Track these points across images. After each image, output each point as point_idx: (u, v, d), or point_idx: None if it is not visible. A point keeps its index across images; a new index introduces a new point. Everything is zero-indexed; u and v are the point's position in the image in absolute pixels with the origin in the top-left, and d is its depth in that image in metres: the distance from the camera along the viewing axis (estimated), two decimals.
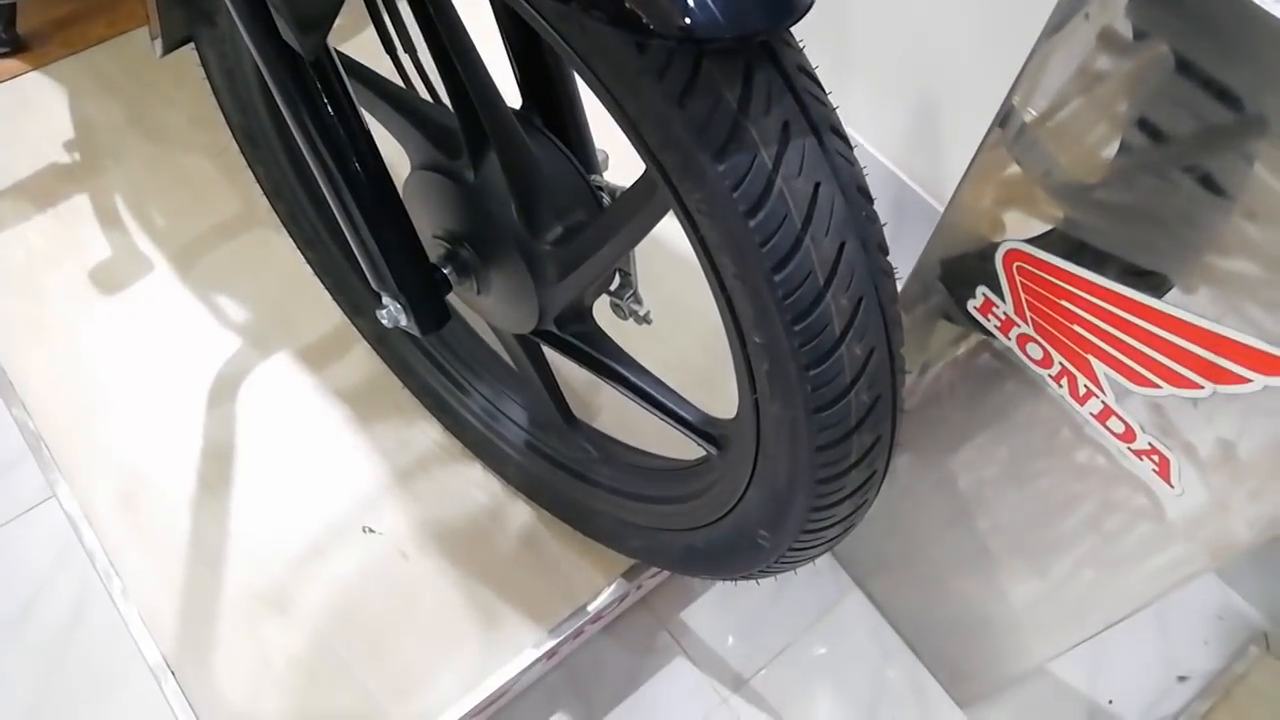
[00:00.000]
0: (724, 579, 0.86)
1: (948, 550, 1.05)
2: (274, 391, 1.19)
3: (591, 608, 1.07)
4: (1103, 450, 0.79)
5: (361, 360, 1.21)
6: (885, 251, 0.58)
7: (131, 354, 1.20)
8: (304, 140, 0.68)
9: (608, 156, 0.86)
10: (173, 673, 1.01)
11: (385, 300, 0.78)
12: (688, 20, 0.46)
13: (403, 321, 0.78)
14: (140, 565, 1.07)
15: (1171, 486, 0.74)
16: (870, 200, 0.56)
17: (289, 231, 1.08)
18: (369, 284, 0.77)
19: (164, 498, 1.11)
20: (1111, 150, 0.66)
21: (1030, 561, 0.94)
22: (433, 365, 1.08)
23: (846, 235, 0.54)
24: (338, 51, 0.71)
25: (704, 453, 0.83)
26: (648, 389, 0.83)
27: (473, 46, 0.69)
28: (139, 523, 1.09)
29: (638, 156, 0.57)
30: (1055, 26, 0.66)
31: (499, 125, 0.72)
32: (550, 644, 1.05)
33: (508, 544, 1.11)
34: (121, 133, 1.38)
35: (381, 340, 1.12)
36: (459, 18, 0.68)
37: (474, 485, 1.14)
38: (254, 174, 1.03)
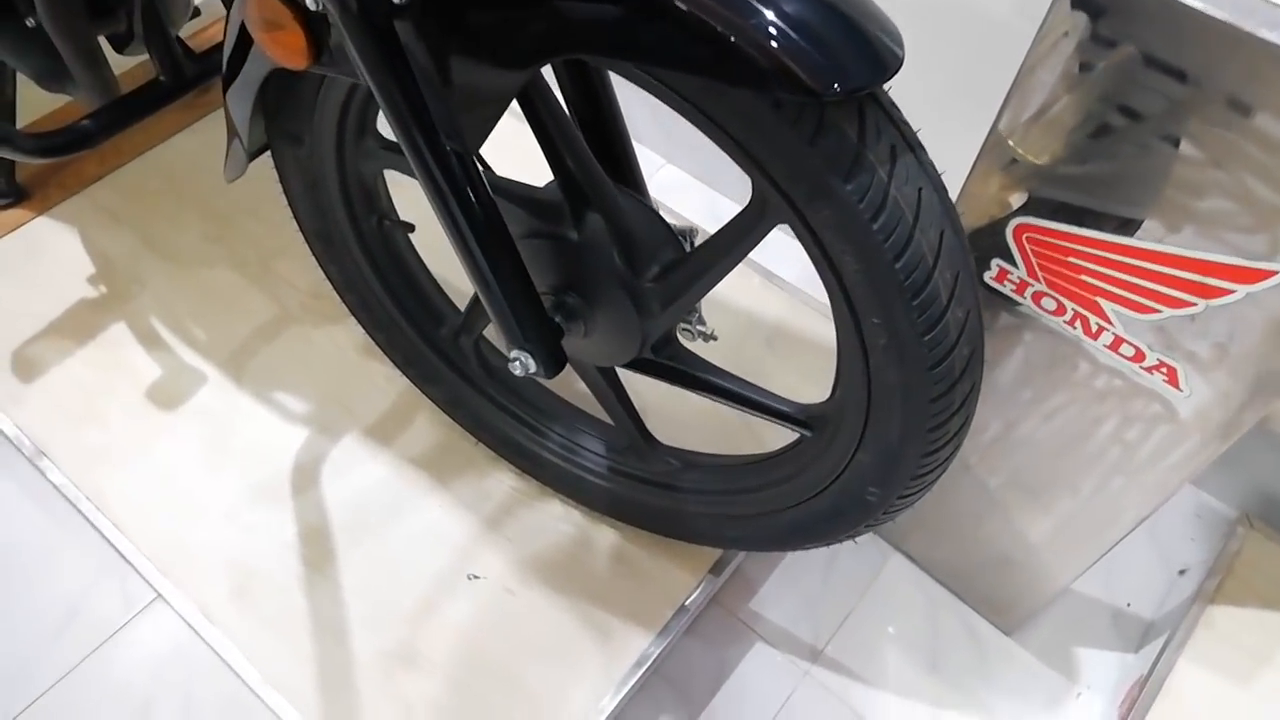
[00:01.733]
0: (826, 544, 1.00)
1: (979, 497, 1.21)
2: (351, 470, 1.27)
3: (689, 603, 1.19)
4: (1118, 374, 0.96)
5: (426, 428, 1.31)
6: (962, 232, 0.73)
7: (207, 462, 1.27)
8: (452, 228, 0.80)
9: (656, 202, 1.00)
10: None
11: (514, 354, 0.90)
12: (824, 83, 0.61)
13: (532, 368, 0.90)
14: (267, 648, 1.14)
15: (1180, 390, 0.92)
16: (950, 195, 0.72)
17: (359, 319, 1.18)
18: (504, 342, 0.89)
19: (273, 584, 1.18)
20: (1096, 132, 0.84)
21: (1064, 484, 1.11)
22: (508, 416, 1.19)
23: (944, 225, 0.70)
24: None
25: (789, 439, 0.97)
26: (739, 391, 0.97)
27: (571, 123, 0.83)
28: (255, 612, 1.16)
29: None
30: (1041, 39, 0.83)
31: (598, 188, 0.85)
32: (663, 644, 1.16)
33: (599, 563, 1.22)
34: (139, 259, 1.45)
35: (455, 403, 1.23)
36: (557, 100, 0.82)
37: (556, 519, 1.25)
38: (326, 273, 1.13)
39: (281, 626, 1.15)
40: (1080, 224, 0.89)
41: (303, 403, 1.33)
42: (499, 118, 0.73)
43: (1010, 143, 0.90)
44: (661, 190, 1.60)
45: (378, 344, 1.22)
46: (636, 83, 0.72)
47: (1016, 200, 0.93)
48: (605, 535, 1.24)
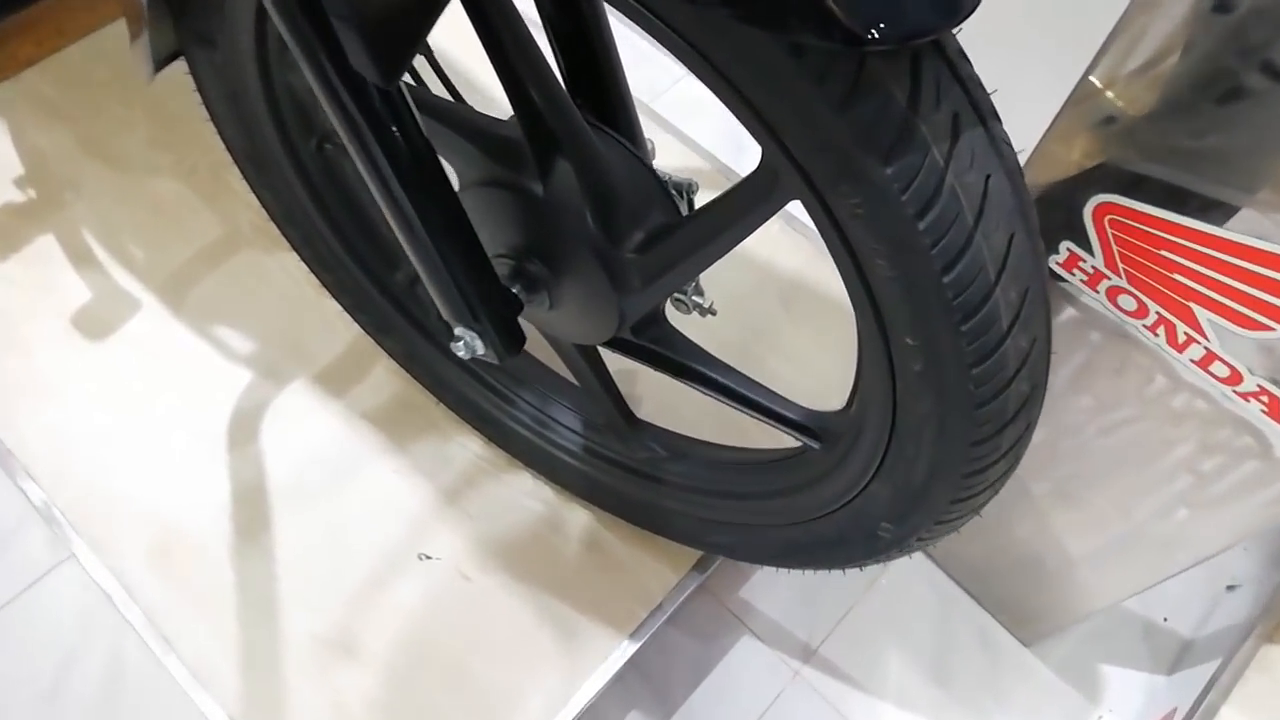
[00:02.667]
0: (824, 569, 0.84)
1: (1017, 498, 1.05)
2: (297, 423, 1.12)
3: (668, 605, 1.04)
4: (1203, 395, 0.78)
5: (385, 379, 1.15)
6: (1037, 235, 0.55)
7: (136, 402, 1.12)
8: (372, 173, 0.62)
9: (654, 145, 0.81)
10: None
11: (459, 331, 0.73)
12: (866, 23, 0.42)
13: (480, 350, 0.73)
14: (187, 622, 1.01)
15: None
16: (1025, 181, 0.53)
17: (302, 256, 1.01)
18: (439, 316, 0.72)
19: (200, 549, 1.04)
20: (1225, 95, 0.64)
21: (1114, 503, 0.94)
22: (471, 378, 1.03)
23: (1015, 225, 0.51)
24: None
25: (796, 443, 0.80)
26: (734, 386, 0.80)
27: (535, 45, 0.63)
28: (176, 579, 1.03)
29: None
30: None
31: (569, 130, 0.67)
32: (634, 648, 1.02)
33: (571, 550, 1.07)
34: (76, 161, 1.28)
35: (412, 357, 1.07)
36: (517, 13, 0.63)
37: (526, 495, 1.09)
38: (260, 199, 0.95)
39: (204, 598, 1.02)
40: (1182, 209, 0.70)
41: (248, 340, 1.17)
42: (420, 37, 0.54)
43: (1110, 94, 0.70)
44: (675, 109, 1.39)
45: (325, 286, 1.05)
46: (610, 1, 0.53)
47: (1101, 173, 0.74)
48: (579, 518, 1.08)
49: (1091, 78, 0.69)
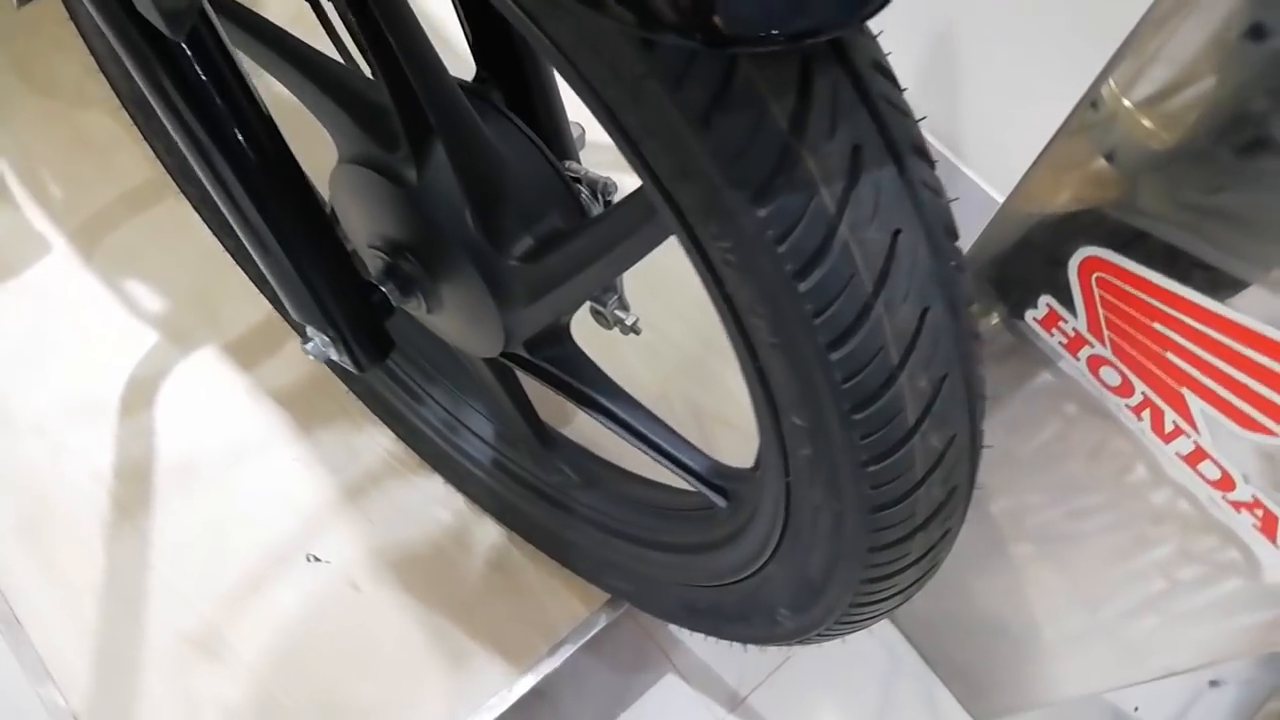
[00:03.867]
0: (728, 640, 0.73)
1: (977, 567, 0.93)
2: (198, 395, 1.02)
3: (572, 643, 0.94)
4: (1188, 495, 0.66)
5: (299, 356, 1.04)
6: (972, 304, 0.43)
7: (26, 353, 1.03)
8: (183, 136, 0.51)
9: (584, 131, 0.69)
10: None
11: (310, 333, 0.62)
12: (736, 13, 0.30)
13: (333, 355, 0.63)
14: (43, 604, 0.92)
15: (1278, 547, 0.62)
16: (957, 240, 0.41)
17: (202, 217, 0.91)
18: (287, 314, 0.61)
19: (71, 525, 0.95)
20: (1249, 145, 0.51)
21: (1080, 595, 0.82)
22: (380, 369, 0.92)
23: (931, 297, 0.39)
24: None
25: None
26: (636, 425, 0.68)
27: (406, 3, 0.52)
28: (40, 554, 0.94)
29: None
30: None
31: (446, 109, 0.55)
32: (526, 685, 0.92)
33: (475, 570, 0.97)
34: (2, 86, 1.18)
35: None
36: None
37: (435, 502, 0.99)
38: (153, 149, 0.85)
39: (67, 580, 0.93)
40: (1183, 277, 0.57)
41: (159, 299, 1.07)
42: None
43: (1111, 128, 0.57)
44: None
45: (229, 252, 0.95)
46: None
47: (1092, 221, 0.61)
48: (489, 534, 0.98)
49: (1092, 105, 0.56)
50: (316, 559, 0.96)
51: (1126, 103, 0.55)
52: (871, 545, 0.47)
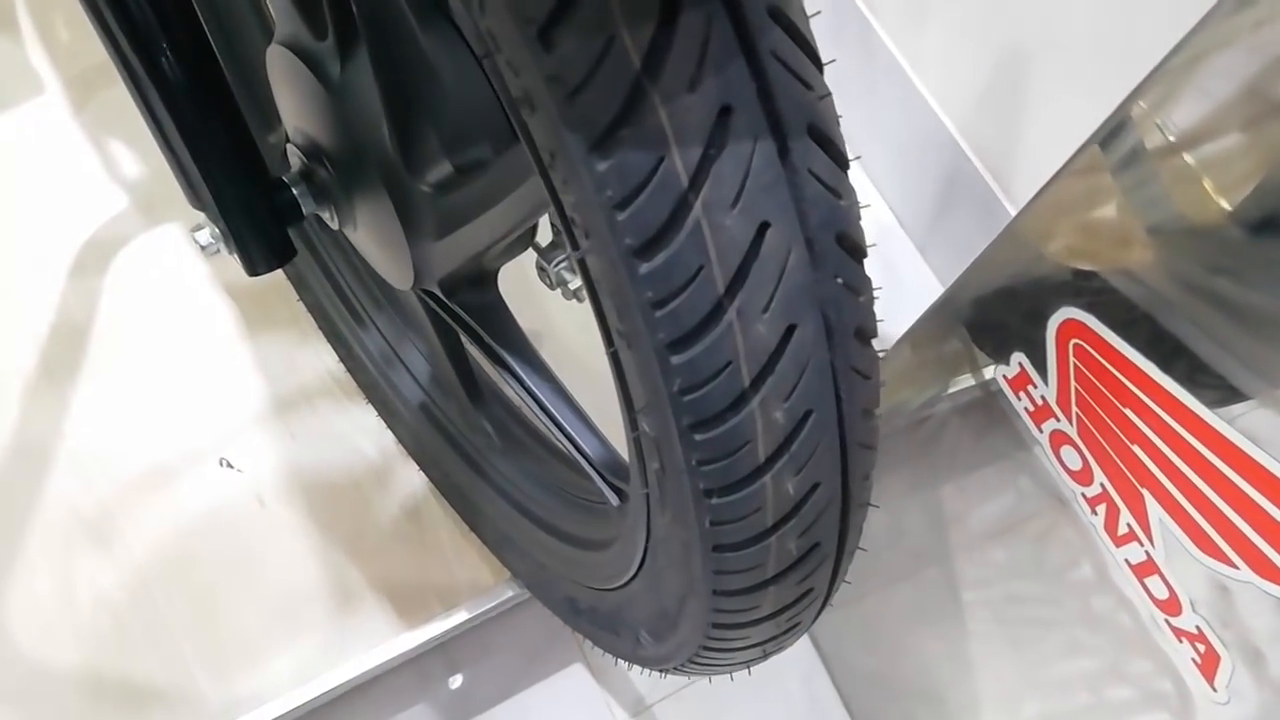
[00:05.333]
0: (602, 650, 0.67)
1: (912, 628, 0.86)
2: (153, 271, 0.98)
3: (468, 611, 0.88)
4: (1129, 608, 0.58)
5: None
6: (868, 338, 0.35)
7: None
8: None
9: None
10: None
11: (202, 219, 0.57)
12: None
13: (223, 250, 0.57)
14: None
15: (1214, 690, 0.54)
16: (859, 257, 0.34)
17: None
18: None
19: None
20: (1260, 221, 0.43)
21: (1003, 687, 0.74)
22: (329, 283, 0.87)
23: (801, 314, 0.32)
24: None
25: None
26: (542, 397, 0.62)
27: None
28: None
29: None
30: (1219, 17, 0.42)
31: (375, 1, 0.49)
32: (408, 645, 0.87)
33: (388, 513, 0.92)
34: None
35: None
36: None
37: (362, 433, 0.94)
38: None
39: None
40: (1168, 366, 0.49)
41: (138, 164, 1.03)
42: None
43: (1119, 179, 0.49)
44: None
45: None
46: None
47: (1084, 277, 0.53)
48: (412, 481, 0.92)
49: (1099, 147, 0.48)
50: (230, 465, 0.91)
51: (1145, 149, 0.47)
52: (716, 588, 0.41)
